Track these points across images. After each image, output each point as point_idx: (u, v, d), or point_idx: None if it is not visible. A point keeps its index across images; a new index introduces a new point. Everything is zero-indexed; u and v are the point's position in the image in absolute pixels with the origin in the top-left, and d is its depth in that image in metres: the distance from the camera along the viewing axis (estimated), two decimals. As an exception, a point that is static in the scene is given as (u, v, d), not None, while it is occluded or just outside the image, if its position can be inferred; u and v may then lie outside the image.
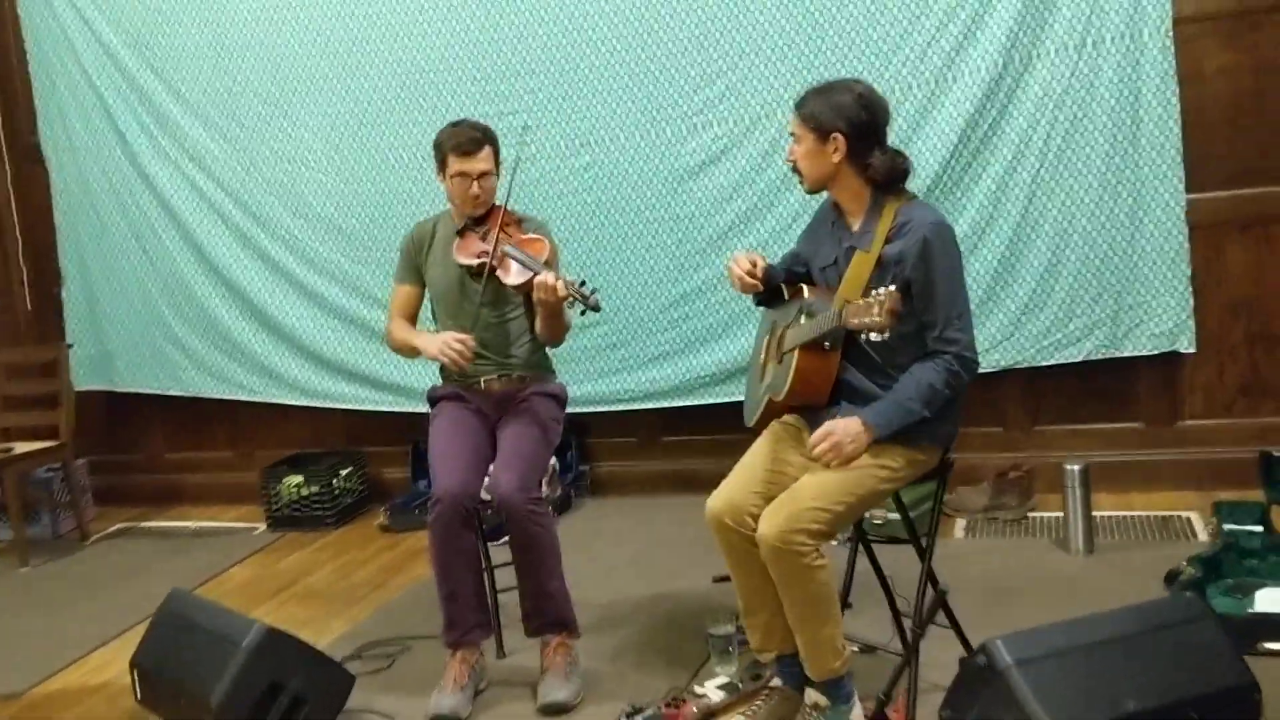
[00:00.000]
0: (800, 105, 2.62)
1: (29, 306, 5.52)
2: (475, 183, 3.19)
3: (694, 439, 4.75)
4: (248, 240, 4.99)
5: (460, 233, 3.27)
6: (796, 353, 2.58)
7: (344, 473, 4.99)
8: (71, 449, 4.98)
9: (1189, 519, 3.88)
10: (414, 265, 3.37)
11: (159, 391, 5.28)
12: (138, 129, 5.05)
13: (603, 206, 4.52)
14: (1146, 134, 3.90)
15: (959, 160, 4.08)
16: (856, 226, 2.64)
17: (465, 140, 3.17)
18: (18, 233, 5.47)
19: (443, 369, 3.37)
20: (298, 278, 4.96)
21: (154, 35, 4.97)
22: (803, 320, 2.60)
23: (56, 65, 5.13)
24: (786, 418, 2.77)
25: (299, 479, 4.92)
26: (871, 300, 2.28)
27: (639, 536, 4.30)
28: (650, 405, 4.63)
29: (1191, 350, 3.97)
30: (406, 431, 4.99)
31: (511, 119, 4.25)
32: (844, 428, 2.49)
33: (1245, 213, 3.99)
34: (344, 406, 5.04)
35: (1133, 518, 3.92)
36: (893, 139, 4.13)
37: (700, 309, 4.49)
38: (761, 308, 2.98)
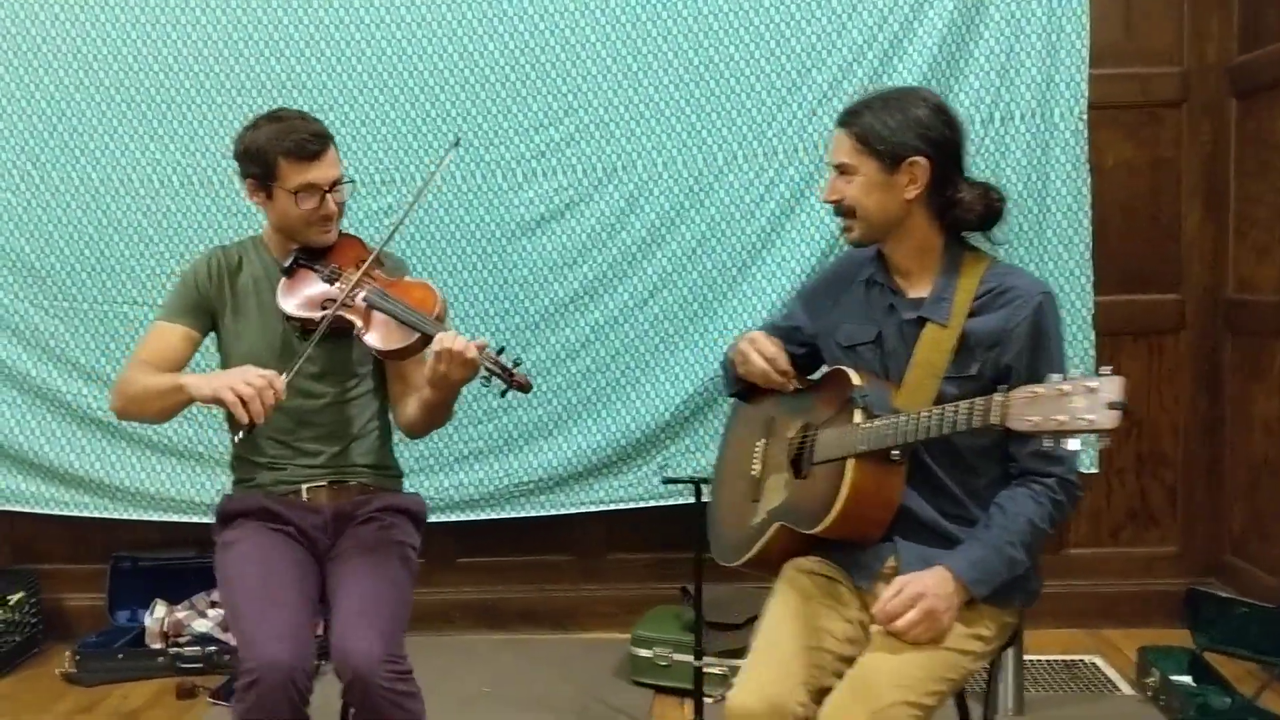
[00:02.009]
0: (851, 121, 1.90)
1: None
2: (328, 196, 2.21)
3: (502, 561, 3.83)
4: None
5: (289, 271, 2.26)
6: (851, 465, 1.81)
7: (11, 599, 3.62)
8: None
9: (1095, 664, 3.41)
10: (198, 305, 2.33)
11: None
12: None
13: (409, 264, 3.55)
14: (1054, 225, 3.49)
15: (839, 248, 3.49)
16: (921, 291, 1.93)
17: (306, 137, 2.21)
18: None
19: (238, 464, 2.32)
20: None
21: None
22: (857, 418, 1.83)
23: None
24: (804, 561, 1.97)
25: (-59, 612, 3.52)
26: (1072, 385, 1.54)
27: (449, 690, 3.28)
28: (451, 517, 3.66)
29: (1094, 470, 3.55)
30: (100, 541, 3.75)
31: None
32: (935, 587, 1.74)
33: (1139, 321, 3.67)
34: (23, 509, 3.70)
35: (1032, 663, 3.40)
36: (766, 218, 3.63)
37: (526, 397, 3.58)
38: (735, 400, 2.20)
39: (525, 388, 2.08)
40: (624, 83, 3.52)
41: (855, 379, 1.89)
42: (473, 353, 2.02)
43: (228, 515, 2.29)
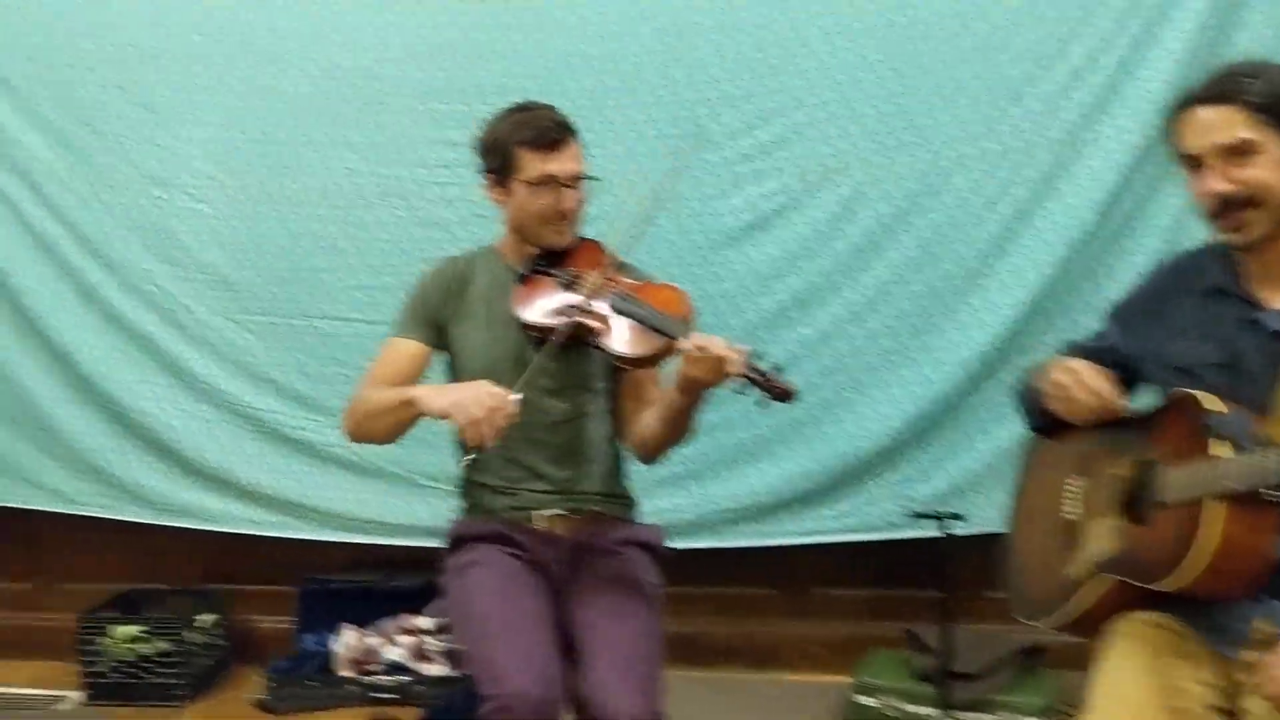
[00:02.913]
0: (1236, 91, 1.60)
1: None
2: (568, 191, 2.02)
3: (701, 591, 3.58)
4: (88, 290, 3.56)
5: (524, 278, 2.08)
6: (1216, 507, 1.51)
7: (201, 621, 3.54)
8: None
9: None
10: (428, 318, 2.18)
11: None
12: (-63, 126, 3.58)
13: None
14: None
15: (1096, 242, 3.16)
16: (1281, 302, 1.61)
17: (548, 126, 2.04)
18: None
19: (466, 487, 2.14)
20: (159, 347, 3.56)
21: (-24, 4, 3.55)
22: (1218, 451, 1.53)
23: None
24: (1141, 614, 1.67)
25: (136, 630, 3.45)
26: None
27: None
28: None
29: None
30: (287, 562, 3.63)
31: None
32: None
33: None
34: (212, 528, 3.62)
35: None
36: (998, 224, 3.31)
37: (732, 419, 3.33)
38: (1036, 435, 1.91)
39: (788, 395, 1.87)
40: (841, 79, 3.25)
41: (1211, 404, 1.58)
42: (734, 356, 1.80)
43: (460, 539, 2.11)
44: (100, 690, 3.44)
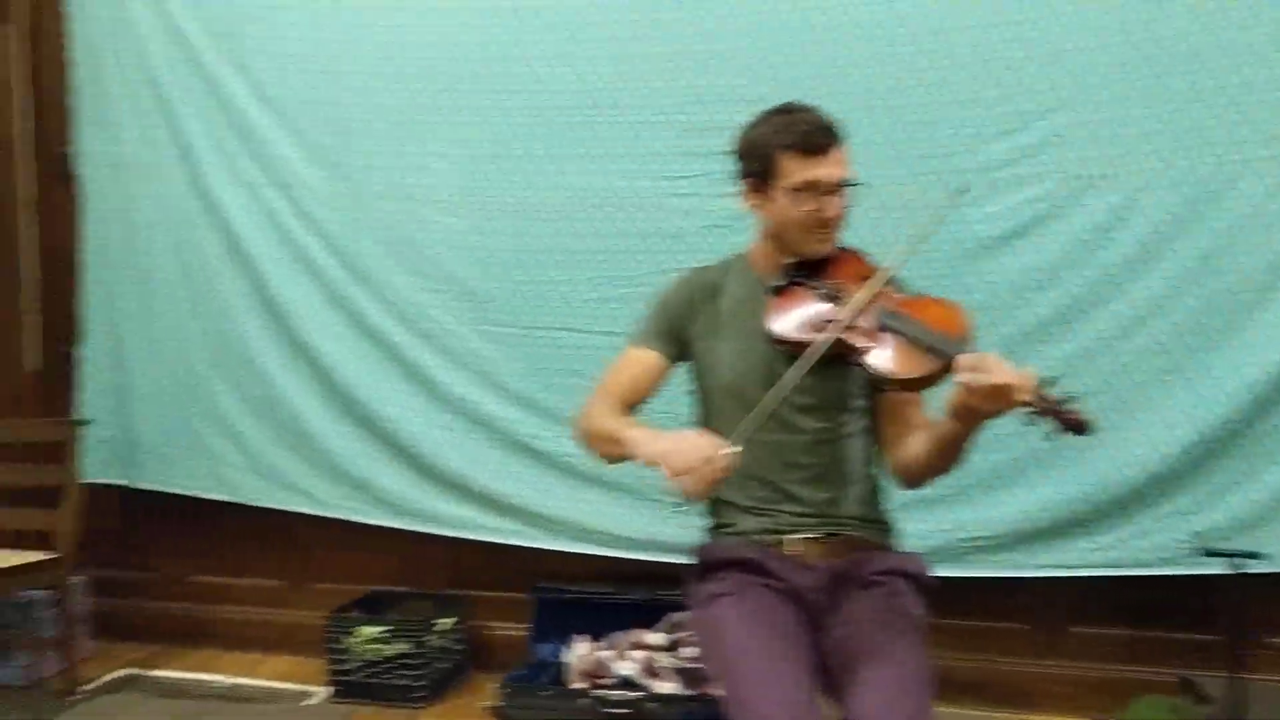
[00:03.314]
0: None
1: (35, 367, 4.18)
2: (831, 198, 1.92)
3: (948, 624, 3.37)
4: (341, 301, 3.70)
5: (779, 289, 1.98)
6: None
7: (441, 625, 3.60)
8: (69, 565, 3.61)
9: None
10: (670, 330, 2.10)
11: (191, 493, 3.91)
12: (208, 143, 3.79)
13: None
14: None
15: None
16: None
17: (813, 130, 1.93)
18: (35, 269, 4.17)
19: (715, 507, 2.06)
20: (405, 356, 3.65)
21: (244, 24, 3.75)
22: None
23: (107, 53, 3.89)
24: None
25: (378, 630, 3.54)
26: None
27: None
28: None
29: None
30: (522, 570, 3.66)
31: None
32: None
33: None
34: (449, 533, 3.68)
35: None
36: None
37: (986, 439, 3.12)
38: None
39: (1083, 428, 1.68)
40: (1111, 76, 3.02)
41: None
42: (1022, 383, 1.64)
43: (710, 564, 2.03)
44: (345, 688, 3.54)
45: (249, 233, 3.76)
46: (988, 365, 1.68)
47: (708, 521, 2.15)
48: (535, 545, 3.59)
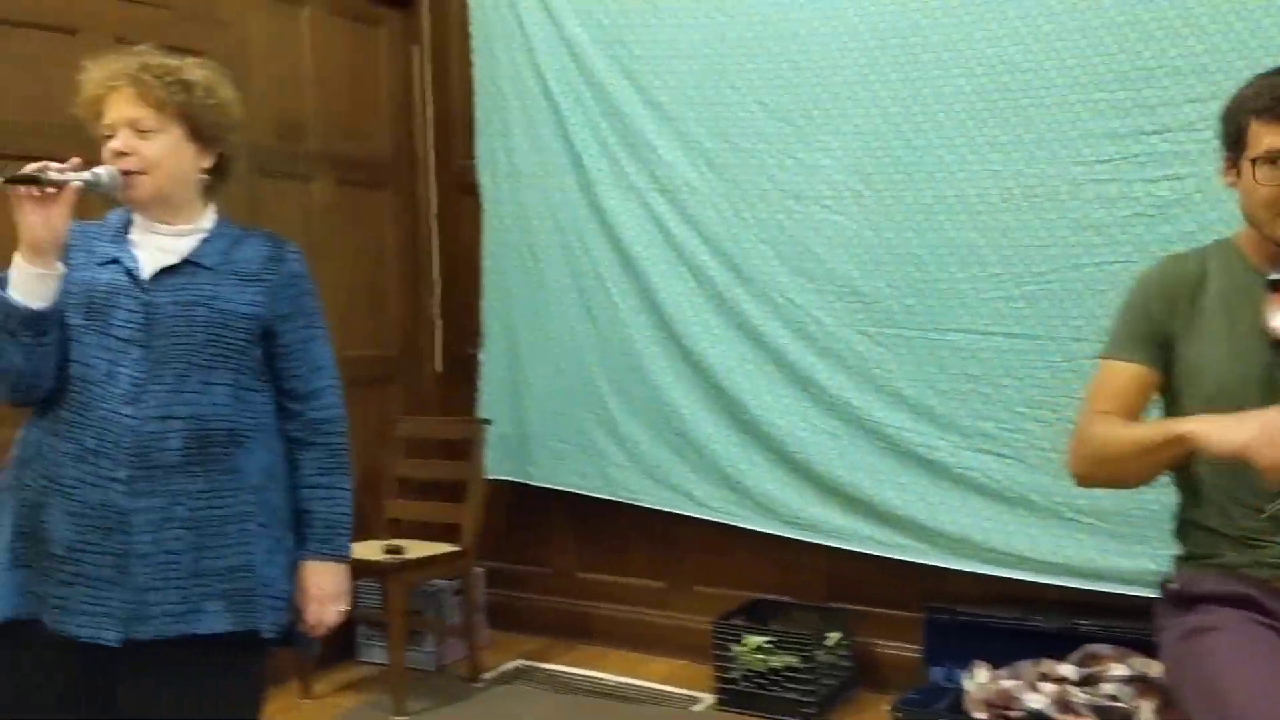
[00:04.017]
0: None
1: (440, 369, 4.44)
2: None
3: None
4: (725, 304, 3.65)
5: (1277, 283, 1.68)
6: None
7: (829, 640, 3.47)
8: (472, 557, 3.79)
9: None
10: (1157, 332, 1.84)
11: (580, 491, 4.00)
12: (598, 150, 3.87)
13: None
14: None
15: None
16: None
17: None
18: (435, 275, 4.43)
19: (1190, 532, 1.78)
20: (788, 359, 3.55)
21: (632, 29, 3.79)
22: None
23: (504, 68, 4.07)
24: None
25: (763, 640, 3.45)
26: None
27: None
28: None
29: None
30: (914, 587, 3.46)
31: (1167, 142, 2.75)
32: None
33: None
34: (832, 543, 3.54)
35: None
36: None
37: None
38: None
39: None
40: None
41: None
42: None
43: (1187, 597, 1.76)
44: (731, 696, 3.49)
45: (635, 237, 3.80)
46: None
47: (1179, 549, 1.87)
48: (928, 562, 3.38)
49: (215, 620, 1.81)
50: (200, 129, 1.88)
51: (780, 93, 3.54)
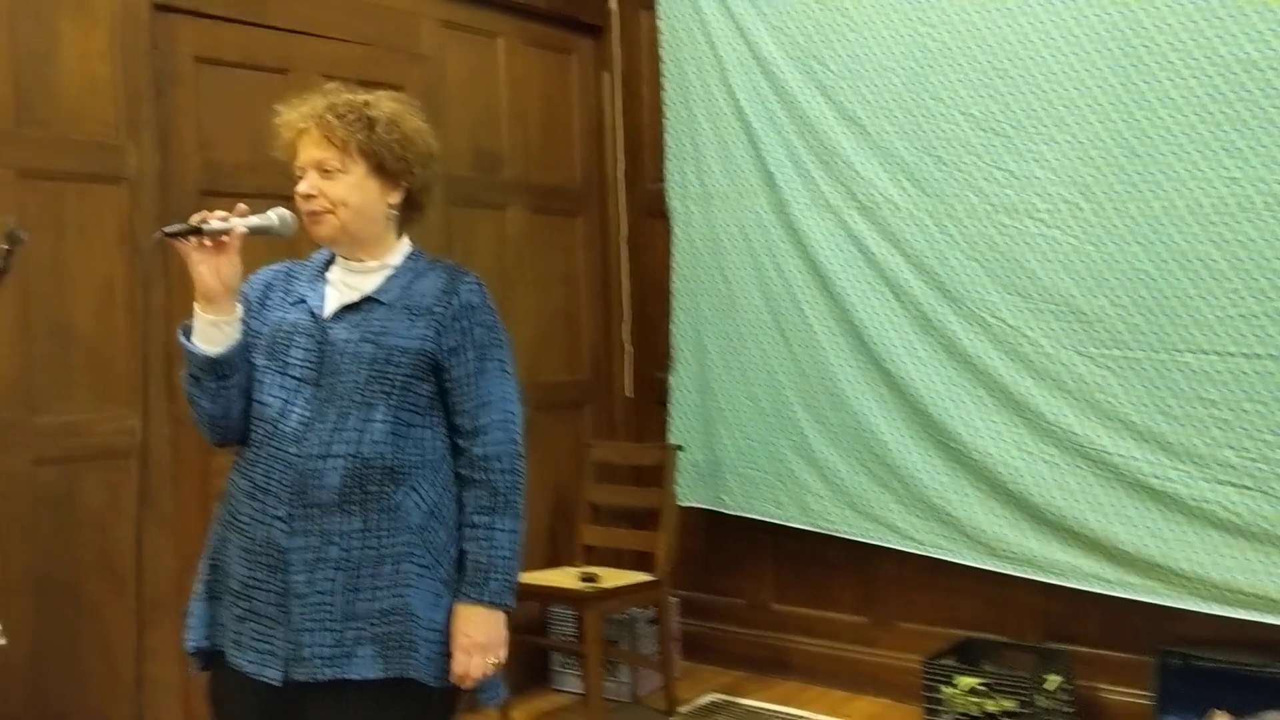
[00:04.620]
0: None
1: (630, 393, 4.41)
2: None
3: None
4: (929, 325, 3.49)
5: None
6: None
7: (1048, 683, 3.24)
8: (667, 585, 3.72)
9: None
10: None
11: (776, 521, 3.87)
12: (791, 169, 3.76)
13: None
14: None
15: None
16: None
17: None
18: (626, 300, 4.40)
19: None
20: (1002, 384, 3.36)
21: (827, 44, 3.68)
22: None
23: (697, 89, 4.00)
24: None
25: (977, 681, 3.26)
26: None
27: None
28: None
29: None
30: (1142, 629, 3.22)
31: None
32: None
33: None
34: (1050, 581, 3.32)
35: None
36: None
37: None
38: None
39: None
40: None
41: None
42: None
43: None
44: (942, 740, 3.30)
45: (831, 257, 3.68)
46: None
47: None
48: (1159, 602, 3.13)
49: (366, 666, 1.76)
50: (384, 165, 1.87)
51: (988, 102, 3.36)
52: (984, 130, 3.37)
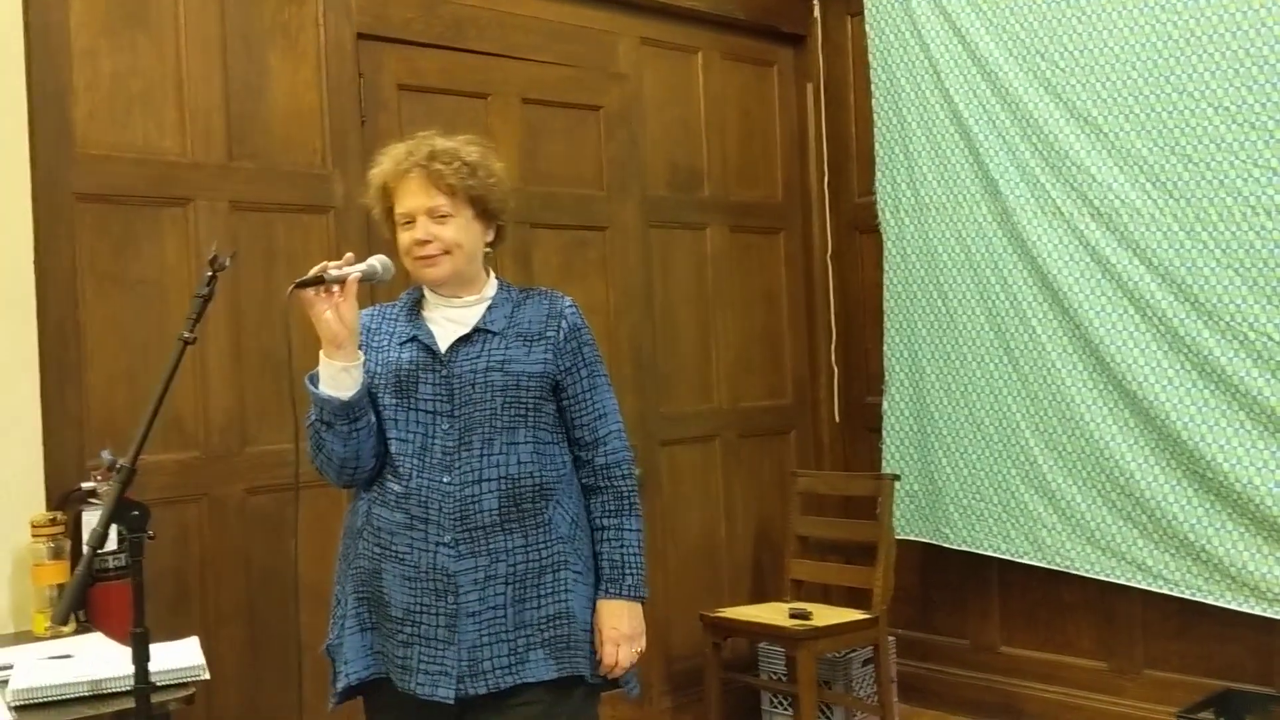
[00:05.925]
0: None
1: (837, 419, 4.18)
2: None
3: None
4: (1180, 341, 3.15)
5: None
6: None
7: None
8: (884, 623, 3.47)
9: None
10: None
11: (1004, 557, 3.58)
12: (1016, 176, 3.48)
13: None
14: None
15: None
16: None
17: None
18: (831, 319, 4.18)
19: None
20: (1266, 404, 2.99)
21: (1053, 38, 3.39)
22: None
23: (908, 95, 3.77)
24: None
25: (1244, 742, 2.89)
26: None
27: None
28: None
29: None
30: None
31: None
32: None
33: None
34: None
35: None
36: None
37: None
38: None
39: None
40: None
41: None
42: None
43: None
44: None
45: (1063, 268, 3.38)
46: None
47: None
48: None
49: (540, 668, 1.90)
50: (487, 207, 1.98)
51: (1244, 94, 3.02)
52: (1239, 124, 3.03)
